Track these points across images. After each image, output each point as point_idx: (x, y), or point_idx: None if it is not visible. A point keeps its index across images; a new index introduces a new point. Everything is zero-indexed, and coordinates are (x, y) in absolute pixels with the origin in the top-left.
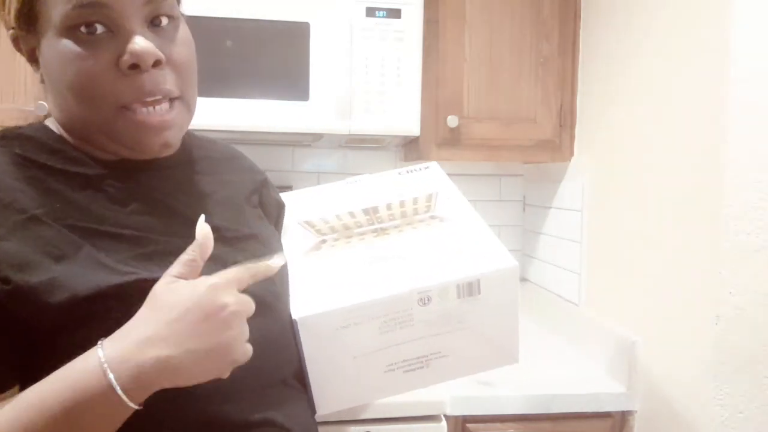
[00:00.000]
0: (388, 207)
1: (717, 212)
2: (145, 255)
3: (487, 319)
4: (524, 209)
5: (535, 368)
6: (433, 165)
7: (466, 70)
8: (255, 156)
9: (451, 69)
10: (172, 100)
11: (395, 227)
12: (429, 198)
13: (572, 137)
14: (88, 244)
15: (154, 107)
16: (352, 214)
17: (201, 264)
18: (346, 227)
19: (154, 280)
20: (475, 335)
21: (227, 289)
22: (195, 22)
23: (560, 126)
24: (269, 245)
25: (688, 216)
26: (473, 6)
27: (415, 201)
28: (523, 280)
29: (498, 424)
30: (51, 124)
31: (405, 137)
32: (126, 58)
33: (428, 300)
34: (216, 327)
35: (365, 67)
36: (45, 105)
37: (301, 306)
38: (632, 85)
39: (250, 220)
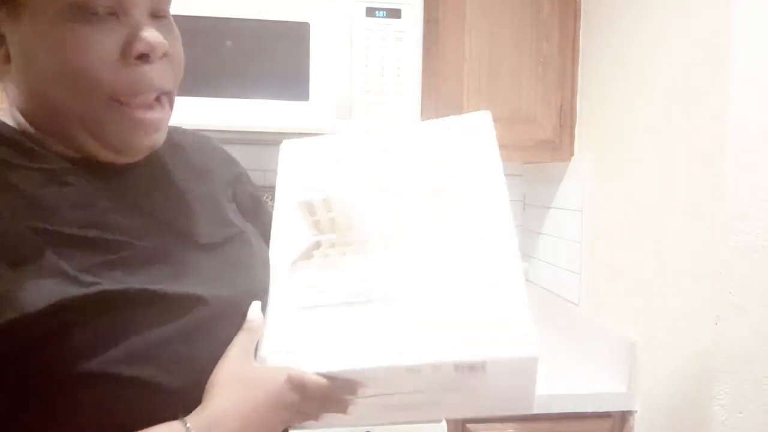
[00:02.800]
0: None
1: (717, 212)
2: (112, 262)
3: (494, 390)
4: (524, 209)
5: None
6: (483, 123)
7: (466, 70)
8: (255, 156)
9: (451, 69)
10: (163, 96)
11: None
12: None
13: (572, 137)
14: (50, 249)
15: (152, 106)
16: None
17: (259, 335)
18: (349, 221)
19: (119, 292)
20: (478, 397)
21: (298, 390)
22: (195, 22)
23: (560, 126)
24: (249, 248)
25: (688, 216)
26: (473, 6)
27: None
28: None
29: (498, 424)
30: (5, 116)
31: None
32: (139, 46)
33: (417, 371)
34: (280, 415)
35: (365, 67)
36: None
37: (269, 344)
38: (632, 84)
39: (229, 217)
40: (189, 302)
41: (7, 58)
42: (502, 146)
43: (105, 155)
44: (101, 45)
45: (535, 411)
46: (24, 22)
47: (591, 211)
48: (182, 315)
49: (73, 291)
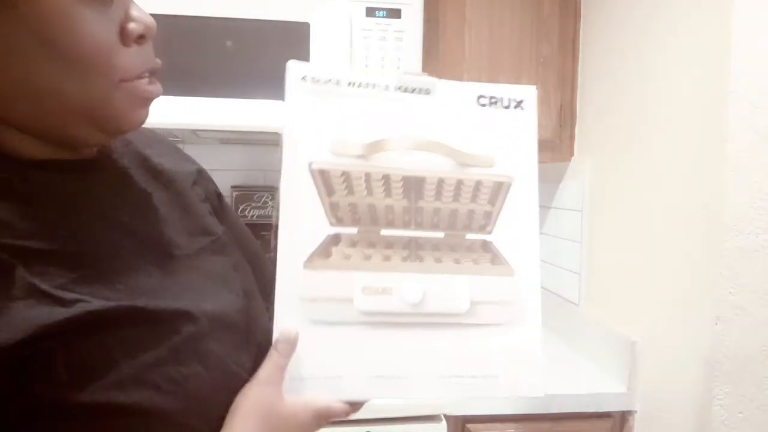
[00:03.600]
0: (438, 190)
1: (717, 212)
2: (90, 277)
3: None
4: None
5: None
6: (529, 99)
7: (466, 70)
8: (255, 156)
9: (451, 69)
10: (155, 73)
11: (433, 252)
12: (495, 194)
13: (572, 137)
14: (19, 266)
15: (151, 81)
16: (387, 184)
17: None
18: (373, 215)
19: (107, 311)
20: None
21: (322, 422)
22: (195, 22)
23: (560, 126)
24: (227, 255)
25: (688, 216)
26: (473, 6)
27: (475, 193)
28: None
29: (498, 424)
30: None
31: None
32: (135, 27)
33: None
34: None
35: (365, 67)
36: None
37: (294, 371)
38: (632, 84)
39: (202, 223)
40: (177, 319)
41: None
42: None
43: (97, 139)
44: (105, 29)
45: (535, 411)
46: (11, 13)
47: (591, 211)
48: (172, 333)
49: (56, 314)
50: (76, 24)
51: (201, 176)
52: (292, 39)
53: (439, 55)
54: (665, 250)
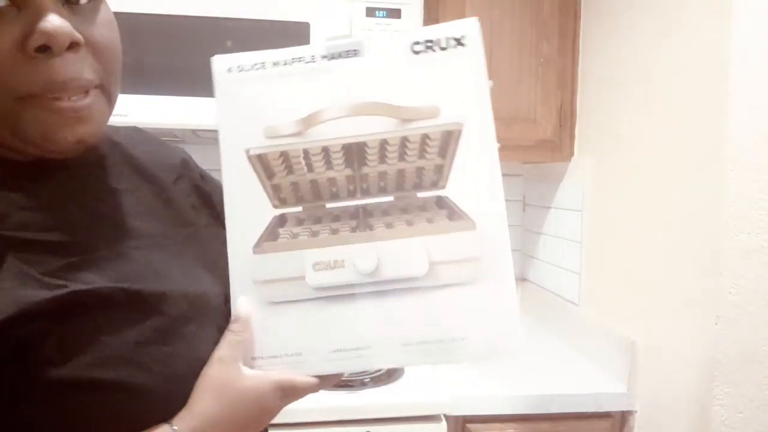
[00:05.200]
0: (382, 152)
1: (717, 212)
2: (78, 264)
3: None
4: (524, 209)
5: (535, 368)
6: (470, 32)
7: None
8: None
9: None
10: (92, 90)
11: (383, 218)
12: (444, 145)
13: (572, 137)
14: (11, 254)
15: (68, 97)
16: (327, 156)
17: (247, 340)
18: (316, 190)
19: (91, 291)
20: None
21: (288, 396)
22: (195, 22)
23: (560, 126)
24: (209, 245)
25: (688, 216)
26: (473, 6)
27: (423, 148)
28: (523, 280)
29: (498, 424)
30: None
31: None
32: (35, 38)
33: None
34: (265, 420)
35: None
36: None
37: (251, 351)
38: (632, 84)
39: (184, 216)
40: (163, 300)
41: None
42: (503, 146)
43: (39, 153)
44: (5, 39)
45: (535, 411)
46: None
47: (591, 211)
48: (157, 313)
49: (43, 294)
50: None
51: (185, 168)
52: (292, 39)
53: None
54: (665, 250)
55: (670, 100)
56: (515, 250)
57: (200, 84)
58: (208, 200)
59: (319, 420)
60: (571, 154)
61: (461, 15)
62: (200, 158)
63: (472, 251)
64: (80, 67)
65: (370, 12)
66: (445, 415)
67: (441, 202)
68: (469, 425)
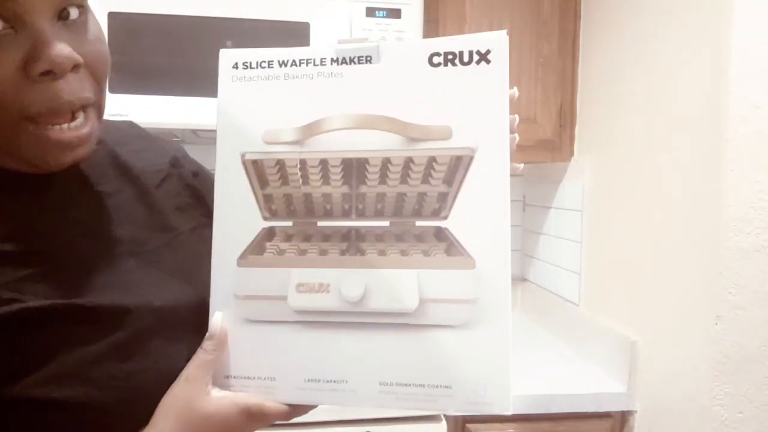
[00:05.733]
0: (383, 172)
1: (717, 212)
2: (35, 276)
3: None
4: (524, 209)
5: (535, 368)
6: (497, 48)
7: None
8: None
9: None
10: (88, 108)
11: (376, 244)
12: (452, 171)
13: (572, 137)
14: None
15: (68, 123)
16: (325, 169)
17: (219, 359)
18: (309, 205)
19: (44, 308)
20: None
21: (255, 421)
22: (195, 22)
23: (560, 126)
24: (189, 251)
25: (688, 216)
26: (473, 6)
27: (427, 174)
28: (523, 280)
29: (498, 424)
30: None
31: None
32: (40, 64)
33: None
34: None
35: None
36: None
37: (223, 370)
38: (632, 84)
39: (165, 220)
40: (120, 315)
41: None
42: None
43: (26, 169)
44: (6, 61)
45: (535, 411)
46: None
47: (591, 211)
48: (114, 329)
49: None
50: None
51: (176, 165)
52: (292, 39)
53: None
54: (665, 250)
55: (670, 100)
56: (515, 250)
57: (200, 84)
58: (201, 199)
59: (319, 420)
60: (571, 154)
61: (461, 15)
62: (200, 158)
63: (469, 292)
64: (81, 87)
65: (370, 12)
66: (444, 415)
67: (440, 234)
68: (469, 425)
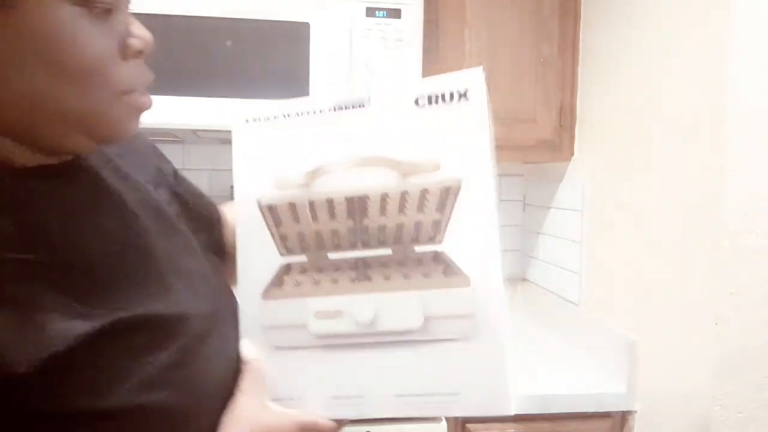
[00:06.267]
0: (382, 205)
1: (717, 212)
2: (103, 288)
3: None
4: (524, 209)
5: (535, 368)
6: (474, 86)
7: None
8: None
9: (451, 69)
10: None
11: (381, 270)
12: (443, 201)
13: (572, 137)
14: (39, 282)
15: (145, 92)
16: (331, 207)
17: (265, 375)
18: (320, 240)
19: (129, 319)
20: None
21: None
22: (195, 22)
23: (560, 126)
24: (199, 256)
25: (688, 216)
26: (473, 6)
27: (421, 205)
28: (523, 280)
29: (498, 424)
30: None
31: None
32: (135, 42)
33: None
34: None
35: (365, 67)
36: None
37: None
38: (632, 85)
39: (172, 225)
40: (181, 321)
41: None
42: (503, 147)
43: (86, 148)
44: (105, 42)
45: (535, 411)
46: (10, 21)
47: (591, 211)
48: (179, 335)
49: (86, 326)
50: (75, 36)
51: (160, 172)
52: (292, 39)
53: (439, 55)
54: (665, 249)
55: (670, 99)
56: (515, 250)
57: (200, 84)
58: (186, 206)
59: None
60: (571, 154)
61: (461, 15)
62: (201, 158)
63: (466, 308)
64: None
65: (370, 12)
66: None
67: (437, 257)
68: (469, 425)
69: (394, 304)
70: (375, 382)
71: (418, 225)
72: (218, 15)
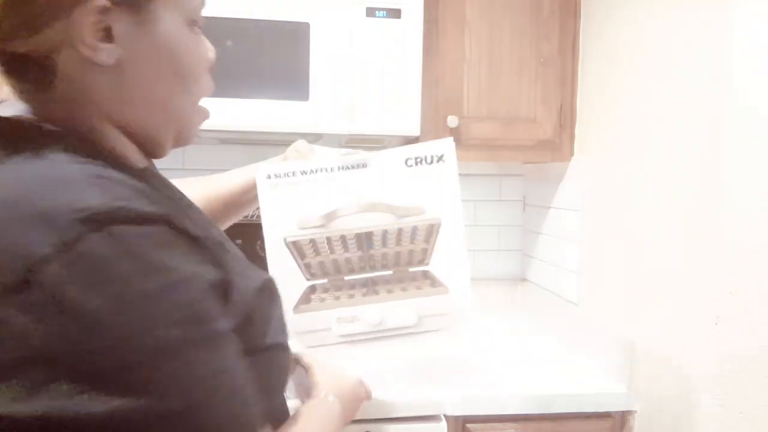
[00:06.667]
0: (384, 239)
1: (717, 212)
2: (231, 258)
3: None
4: (524, 209)
5: (535, 368)
6: (448, 152)
7: (466, 70)
8: (255, 156)
9: (451, 69)
10: None
11: (385, 286)
12: (428, 235)
13: (572, 137)
14: (221, 248)
15: None
16: (344, 242)
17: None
18: (337, 267)
19: (267, 280)
20: None
21: (366, 389)
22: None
23: (560, 126)
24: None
25: (688, 216)
26: (473, 6)
27: (412, 236)
28: (523, 280)
29: (498, 424)
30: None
31: (405, 137)
32: (212, 56)
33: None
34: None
35: (365, 66)
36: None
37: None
38: (632, 84)
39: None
40: (275, 285)
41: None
42: (503, 147)
43: (167, 150)
44: (201, 53)
45: (535, 411)
46: (150, 29)
47: (591, 211)
48: (277, 294)
49: (256, 281)
50: (188, 47)
51: None
52: (292, 39)
53: (439, 55)
54: (665, 249)
55: (670, 99)
56: (515, 250)
57: None
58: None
59: None
60: (571, 154)
61: (461, 15)
62: (200, 159)
63: (446, 308)
64: None
65: (370, 12)
66: (445, 415)
67: (426, 274)
68: (469, 425)
69: (395, 309)
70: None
71: (410, 252)
72: (218, 15)
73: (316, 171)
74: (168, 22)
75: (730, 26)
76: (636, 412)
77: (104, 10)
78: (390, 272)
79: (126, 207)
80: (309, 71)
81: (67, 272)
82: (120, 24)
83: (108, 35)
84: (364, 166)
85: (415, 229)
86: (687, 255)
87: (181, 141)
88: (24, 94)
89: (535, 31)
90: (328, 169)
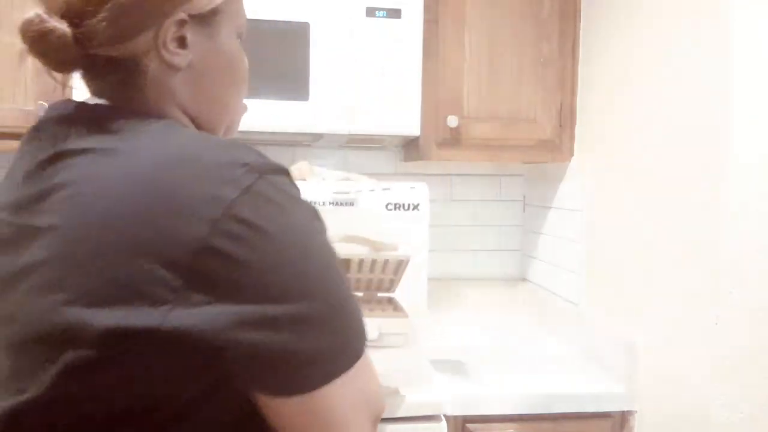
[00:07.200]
0: (359, 267)
1: (717, 212)
2: None
3: None
4: (524, 209)
5: (535, 368)
6: (422, 201)
7: (466, 70)
8: None
9: (451, 69)
10: None
11: None
12: (397, 268)
13: (572, 137)
14: None
15: None
16: None
17: None
18: None
19: None
20: None
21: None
22: None
23: (560, 126)
24: None
25: (688, 216)
26: (473, 6)
27: (384, 267)
28: (523, 280)
29: (498, 424)
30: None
31: (405, 137)
32: (247, 63)
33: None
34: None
35: (365, 66)
36: (45, 105)
37: None
38: (632, 84)
39: None
40: None
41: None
42: (503, 147)
43: None
44: (245, 61)
45: (535, 411)
46: (213, 39)
47: (591, 211)
48: None
49: None
50: (241, 56)
51: None
52: (292, 39)
53: (439, 55)
54: (665, 249)
55: (670, 99)
56: (515, 250)
57: None
58: None
59: None
60: (571, 154)
61: (461, 15)
62: None
63: (405, 329)
64: None
65: (370, 12)
66: (445, 415)
67: (391, 300)
68: (469, 425)
69: None
70: None
71: (380, 280)
72: None
73: (310, 202)
74: (226, 35)
75: (731, 25)
76: (636, 412)
77: (182, 23)
78: (361, 294)
79: (267, 161)
80: (309, 71)
81: (249, 208)
82: (192, 34)
83: (182, 43)
84: (352, 204)
85: (386, 261)
86: (687, 255)
87: (228, 132)
88: (106, 91)
89: (535, 32)
90: (321, 203)
